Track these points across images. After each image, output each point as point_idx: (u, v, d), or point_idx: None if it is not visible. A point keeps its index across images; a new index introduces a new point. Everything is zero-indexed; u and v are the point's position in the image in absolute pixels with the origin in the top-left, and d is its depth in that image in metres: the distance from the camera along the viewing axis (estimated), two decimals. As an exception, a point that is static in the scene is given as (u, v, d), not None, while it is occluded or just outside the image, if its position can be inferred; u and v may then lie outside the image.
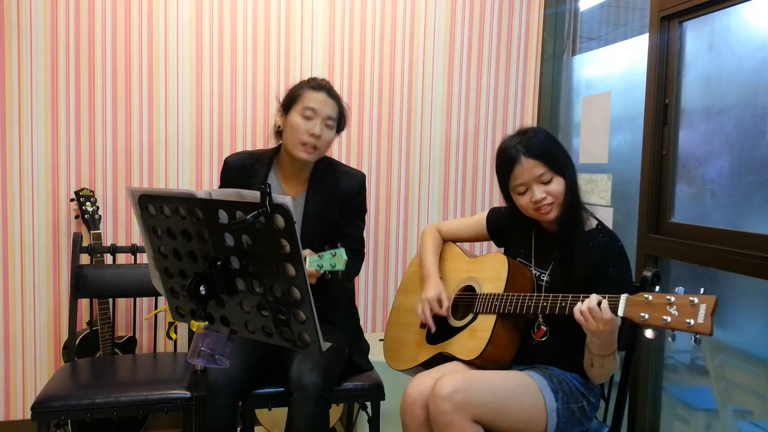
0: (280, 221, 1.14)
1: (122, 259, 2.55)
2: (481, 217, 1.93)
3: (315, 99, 1.86)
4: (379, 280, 2.91)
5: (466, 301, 1.78)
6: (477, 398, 1.50)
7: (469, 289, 1.80)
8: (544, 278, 1.70)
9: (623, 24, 3.00)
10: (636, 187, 2.25)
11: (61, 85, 2.50)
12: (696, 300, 1.27)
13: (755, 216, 1.86)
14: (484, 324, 1.66)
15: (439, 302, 1.78)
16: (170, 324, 2.54)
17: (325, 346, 1.24)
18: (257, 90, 2.69)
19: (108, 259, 2.39)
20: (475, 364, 1.65)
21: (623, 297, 1.39)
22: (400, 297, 2.05)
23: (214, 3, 2.62)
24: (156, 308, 2.46)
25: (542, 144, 1.62)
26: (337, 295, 1.98)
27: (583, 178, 2.62)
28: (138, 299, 2.44)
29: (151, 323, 2.57)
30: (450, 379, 1.52)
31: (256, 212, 1.14)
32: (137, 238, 2.60)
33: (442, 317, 1.81)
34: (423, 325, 1.86)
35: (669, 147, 2.13)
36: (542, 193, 1.61)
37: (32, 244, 2.51)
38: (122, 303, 2.59)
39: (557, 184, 1.61)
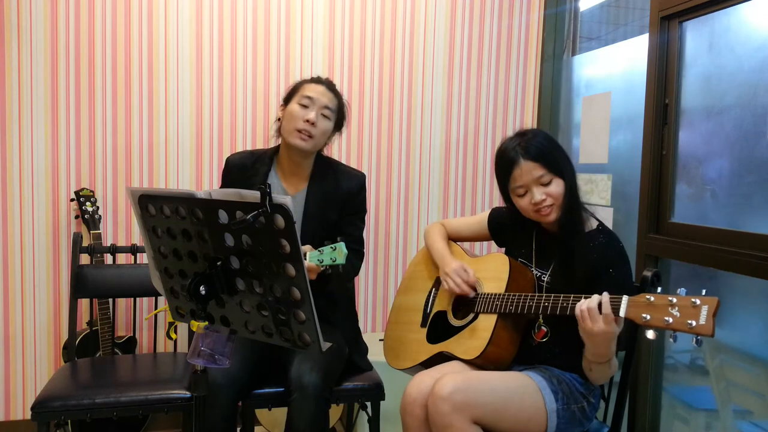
0: (280, 221, 1.14)
1: (122, 259, 2.55)
2: (483, 216, 1.93)
3: (313, 89, 1.91)
4: (379, 280, 2.91)
5: (467, 301, 1.78)
6: (476, 399, 1.50)
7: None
8: (545, 279, 1.70)
9: (623, 24, 3.00)
10: (636, 187, 2.25)
11: (61, 85, 2.50)
12: (698, 301, 1.27)
13: (755, 216, 1.86)
14: (485, 323, 1.66)
15: (465, 271, 1.76)
16: (170, 324, 2.54)
17: (325, 346, 1.24)
18: (257, 90, 2.69)
19: (108, 259, 2.39)
20: (476, 363, 1.65)
21: (625, 298, 1.39)
22: (401, 296, 2.05)
23: (214, 3, 2.62)
24: (156, 308, 2.46)
25: (541, 146, 1.62)
26: (337, 295, 1.98)
27: (583, 178, 2.62)
28: (138, 299, 2.44)
29: (151, 323, 2.57)
30: (449, 379, 1.52)
31: (256, 212, 1.14)
32: (137, 238, 2.60)
33: (442, 316, 1.81)
34: (423, 324, 1.87)
35: (669, 147, 2.13)
36: (542, 194, 1.61)
37: (32, 244, 2.51)
38: (122, 303, 2.59)
39: (556, 186, 1.61)
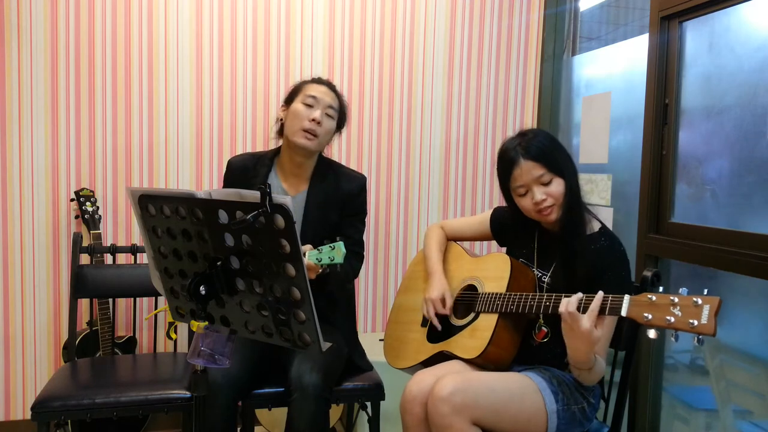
0: (280, 221, 1.14)
1: (122, 259, 2.55)
2: (485, 216, 1.93)
3: (316, 89, 1.92)
4: (379, 280, 2.90)
5: (468, 300, 1.78)
6: (476, 400, 1.49)
7: (471, 288, 1.80)
8: (546, 279, 1.70)
9: (623, 24, 3.00)
10: (636, 187, 2.25)
11: (61, 85, 2.50)
12: (700, 301, 1.27)
13: (755, 216, 1.86)
14: (486, 323, 1.66)
15: (443, 301, 1.79)
16: (170, 324, 2.54)
17: (325, 346, 1.24)
18: (257, 90, 2.69)
19: (108, 259, 2.39)
20: (476, 363, 1.65)
21: (627, 297, 1.39)
22: (401, 296, 2.05)
23: (214, 3, 2.62)
24: (156, 308, 2.45)
25: (542, 145, 1.62)
26: (337, 296, 1.98)
27: (583, 178, 2.61)
28: (138, 299, 2.44)
29: (151, 323, 2.57)
30: (449, 380, 1.52)
31: (256, 212, 1.14)
32: (137, 238, 2.60)
33: (444, 315, 1.81)
34: (424, 324, 1.86)
35: (669, 147, 2.13)
36: (542, 194, 1.60)
37: (32, 244, 2.51)
38: (122, 303, 2.59)
39: (557, 186, 1.61)
